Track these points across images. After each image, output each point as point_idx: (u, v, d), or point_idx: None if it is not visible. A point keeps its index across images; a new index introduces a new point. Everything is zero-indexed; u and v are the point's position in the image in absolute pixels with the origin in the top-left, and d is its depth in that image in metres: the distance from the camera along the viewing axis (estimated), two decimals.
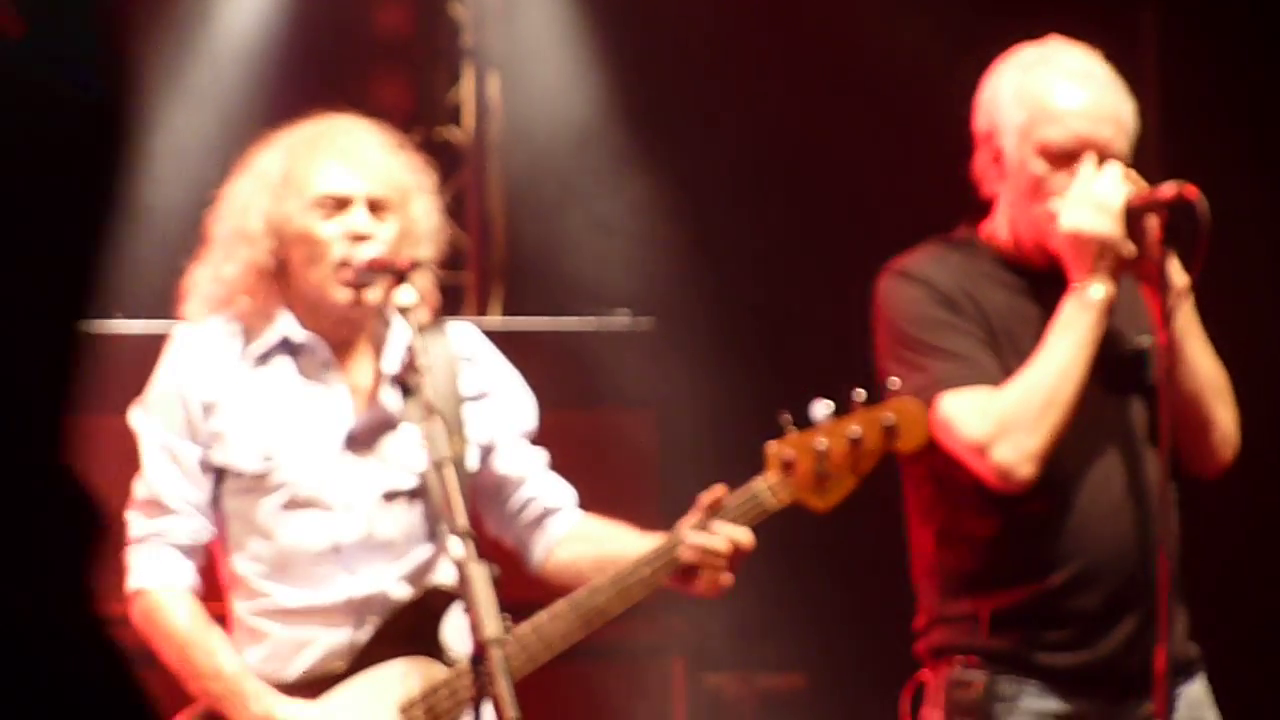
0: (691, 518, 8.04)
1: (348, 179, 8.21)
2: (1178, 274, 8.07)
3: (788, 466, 8.10)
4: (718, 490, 8.05)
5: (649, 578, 8.13)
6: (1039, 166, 8.12)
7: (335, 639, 8.14)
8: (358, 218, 8.09)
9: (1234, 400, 8.39)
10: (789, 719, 12.12)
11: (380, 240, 8.07)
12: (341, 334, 8.23)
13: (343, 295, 8.03)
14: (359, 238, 8.04)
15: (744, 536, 7.98)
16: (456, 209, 12.12)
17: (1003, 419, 8.07)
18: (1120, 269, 8.09)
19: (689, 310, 11.80)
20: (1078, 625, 8.22)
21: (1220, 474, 8.38)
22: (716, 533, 8.00)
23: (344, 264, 8.04)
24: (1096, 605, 8.21)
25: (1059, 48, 8.28)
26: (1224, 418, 8.29)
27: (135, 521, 8.23)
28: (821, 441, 8.09)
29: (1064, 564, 8.19)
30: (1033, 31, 8.41)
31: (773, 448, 8.11)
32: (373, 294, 8.10)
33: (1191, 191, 7.95)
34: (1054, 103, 8.16)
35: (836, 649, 10.86)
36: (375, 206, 8.15)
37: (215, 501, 8.23)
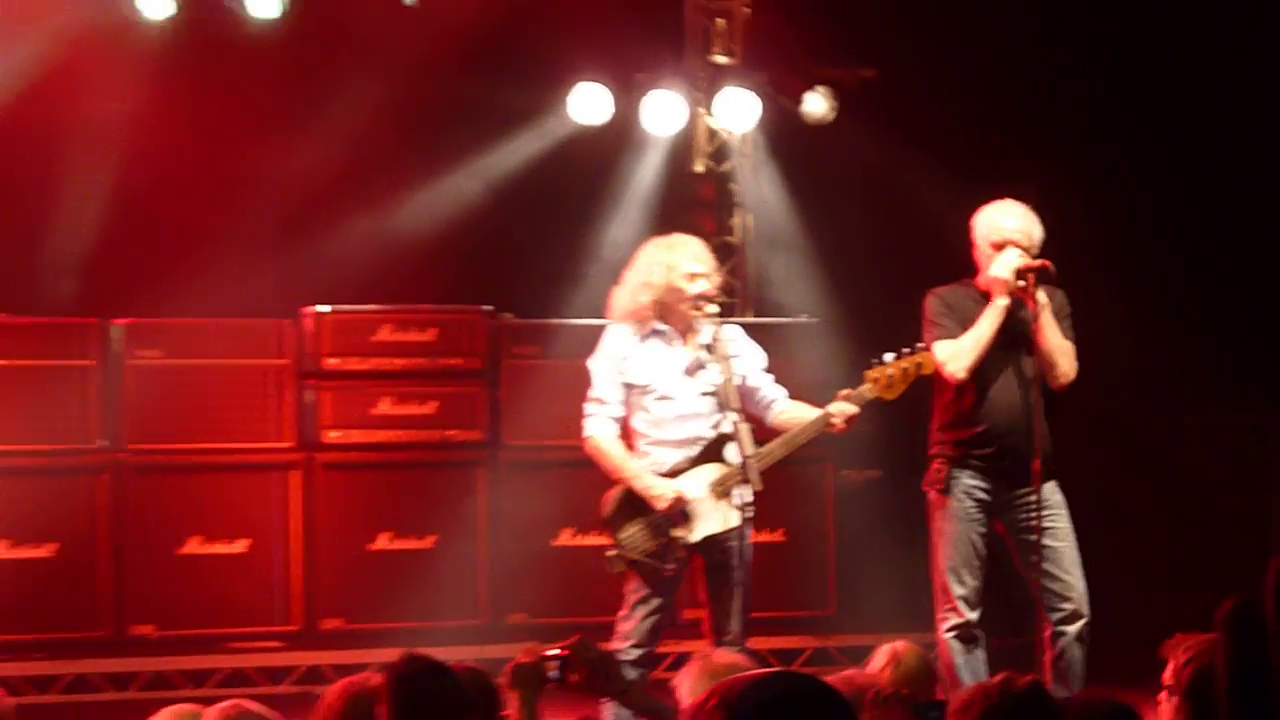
0: (847, 395, 8.31)
1: (699, 265, 8.45)
2: (1041, 298, 8.16)
3: (874, 380, 8.31)
4: (845, 391, 8.32)
5: (818, 427, 8.34)
6: (988, 251, 8.27)
7: (680, 455, 8.35)
8: (704, 280, 8.39)
9: (1073, 357, 8.33)
10: (872, 495, 11.45)
11: (709, 285, 8.44)
12: (680, 328, 8.40)
13: (694, 313, 8.32)
14: (705, 287, 8.37)
15: (855, 410, 8.26)
16: (733, 272, 11.99)
17: (951, 352, 8.22)
18: (1012, 295, 8.19)
19: (834, 316, 11.53)
20: (991, 446, 8.28)
21: (1062, 390, 8.32)
22: (842, 406, 8.28)
23: (698, 298, 8.34)
24: (1000, 438, 8.27)
25: (1006, 202, 8.37)
26: (1063, 364, 8.23)
27: (589, 407, 8.43)
28: (889, 369, 8.32)
29: (984, 420, 8.29)
30: (991, 196, 8.50)
31: (868, 372, 8.36)
32: (714, 309, 8.42)
33: (1048, 263, 8.18)
34: (998, 224, 8.28)
35: (901, 450, 10.40)
36: (704, 276, 8.41)
37: (625, 400, 8.41)
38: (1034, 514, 8.19)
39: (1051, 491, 8.26)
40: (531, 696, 5.21)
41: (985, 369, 8.33)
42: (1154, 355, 11.08)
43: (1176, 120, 11.89)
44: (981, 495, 8.33)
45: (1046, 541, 8.17)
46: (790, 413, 8.53)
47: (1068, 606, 8.21)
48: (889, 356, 8.40)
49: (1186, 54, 11.69)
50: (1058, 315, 8.38)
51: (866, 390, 8.40)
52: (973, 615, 8.26)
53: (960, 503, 8.32)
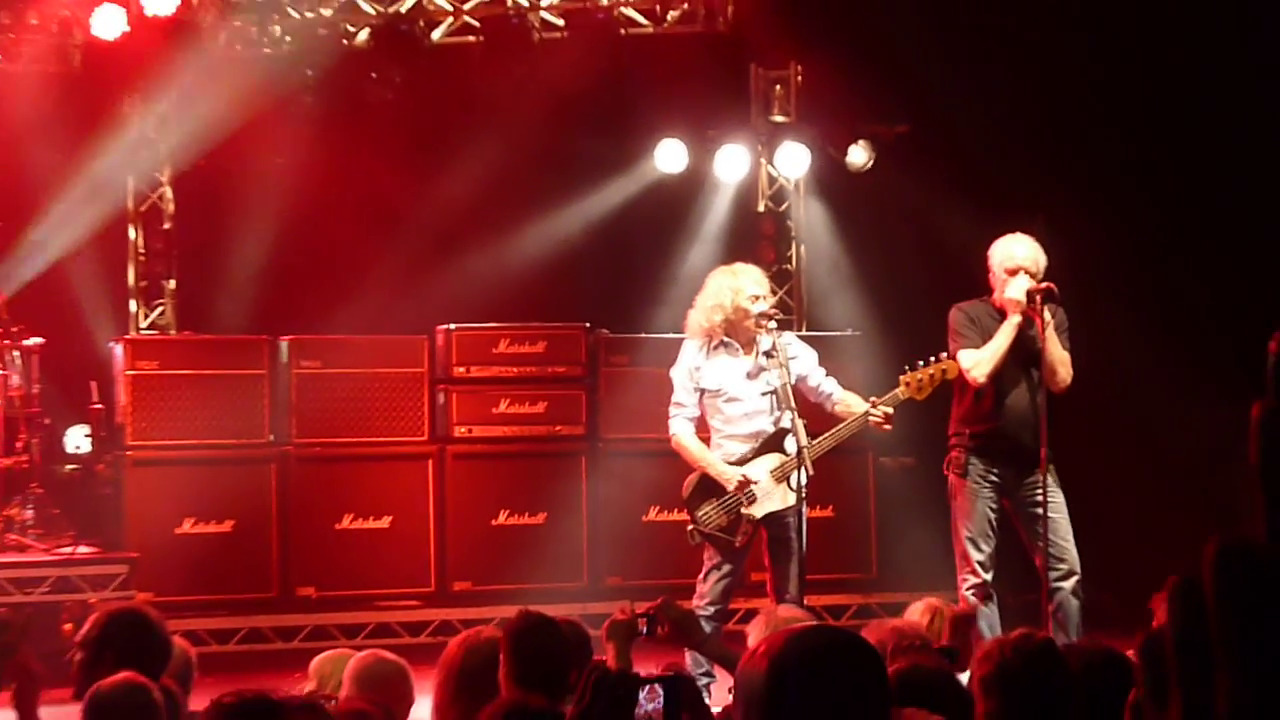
0: (874, 401, 8.28)
1: (760, 288, 8.39)
2: (1047, 316, 8.11)
3: (906, 384, 8.25)
4: (874, 399, 8.31)
5: (860, 424, 8.29)
6: (1002, 275, 8.21)
7: (745, 447, 8.30)
8: (763, 301, 8.33)
9: (1070, 366, 8.27)
10: (906, 479, 11.37)
11: (767, 304, 8.38)
12: (743, 340, 8.27)
13: (757, 329, 8.24)
14: (764, 307, 8.33)
15: (890, 410, 8.23)
16: (789, 293, 12.02)
17: (975, 360, 8.18)
18: (1023, 313, 8.14)
19: (873, 329, 11.38)
20: (1005, 440, 8.25)
21: (1061, 392, 8.26)
22: (880, 408, 8.24)
23: (760, 316, 8.25)
24: (1013, 435, 8.22)
25: (1017, 235, 8.28)
26: (1061, 373, 8.18)
27: (672, 410, 8.38)
28: (919, 374, 8.26)
29: (1000, 419, 8.25)
30: (1005, 227, 8.44)
31: (902, 376, 8.30)
32: (773, 325, 8.28)
33: (1052, 285, 8.13)
34: (1011, 253, 8.21)
35: (931, 442, 9.79)
36: (763, 297, 8.35)
37: (699, 402, 8.33)
38: (1038, 494, 8.14)
39: (1050, 475, 8.21)
40: (625, 646, 5.16)
41: (1001, 375, 8.26)
42: (1140, 358, 10.83)
43: (1156, 161, 11.69)
44: (994, 479, 8.29)
45: (1051, 511, 8.15)
46: (845, 402, 8.45)
47: (1063, 566, 8.18)
48: (920, 363, 8.34)
49: (1163, 111, 11.59)
50: (1059, 329, 8.30)
51: (900, 392, 8.32)
52: (988, 576, 8.24)
53: (976, 484, 8.28)
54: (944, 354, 8.37)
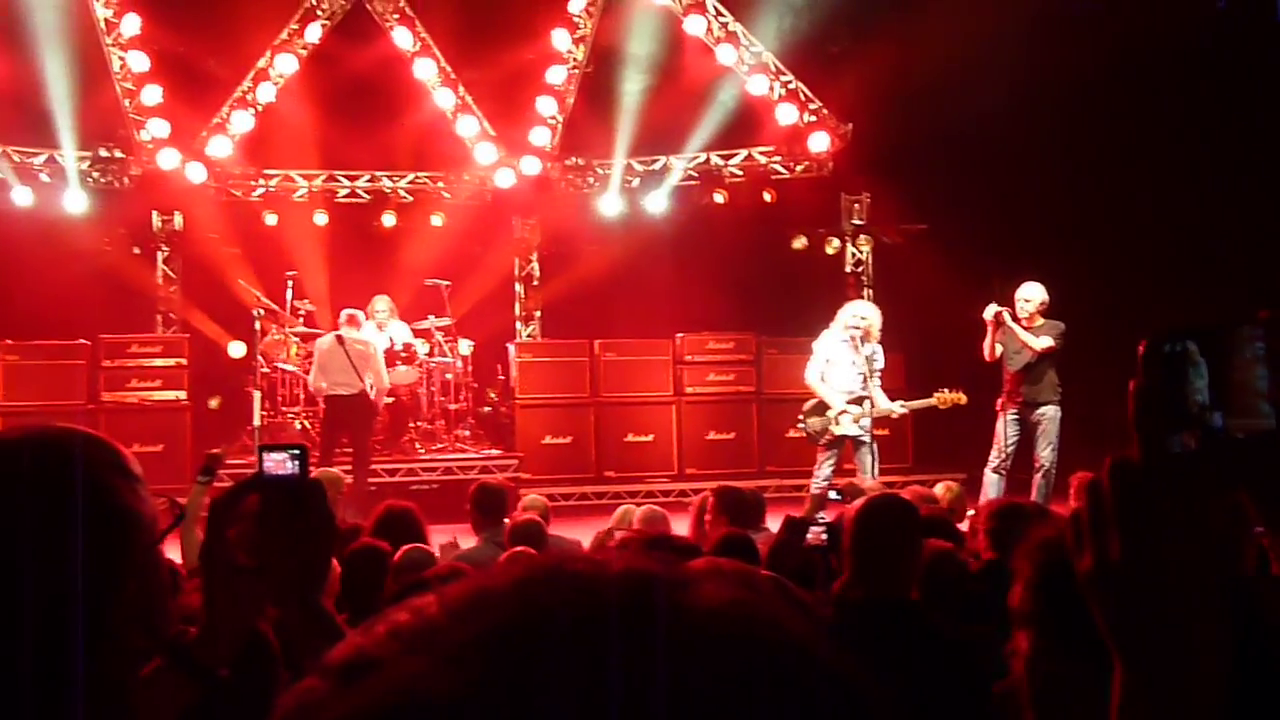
0: (904, 404, 7.74)
1: (861, 314, 7.86)
2: (1007, 319, 7.47)
3: (938, 398, 7.80)
4: (902, 402, 7.74)
5: (886, 415, 7.83)
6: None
7: (844, 397, 7.75)
8: (863, 320, 7.75)
9: (1037, 345, 7.37)
10: (926, 417, 10.26)
11: (864, 323, 7.71)
12: (850, 338, 7.74)
13: (856, 334, 7.69)
14: (861, 324, 7.72)
15: (907, 411, 7.75)
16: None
17: (986, 349, 7.63)
18: (989, 323, 7.55)
19: (910, 346, 10.44)
20: (1011, 392, 7.57)
21: (1038, 356, 7.38)
22: (901, 410, 7.84)
23: (859, 328, 7.72)
24: (1010, 387, 7.56)
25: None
26: (1025, 351, 7.44)
27: (809, 365, 7.84)
28: (946, 396, 7.79)
29: (1008, 382, 7.57)
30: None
31: (936, 393, 7.79)
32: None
33: (1004, 309, 7.41)
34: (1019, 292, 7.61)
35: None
36: (864, 318, 7.83)
37: (823, 366, 7.80)
38: (1038, 421, 7.55)
39: (1046, 409, 7.54)
40: (817, 509, 5.12)
41: (1004, 357, 7.58)
42: (1098, 356, 9.77)
43: (1120, 234, 10.36)
44: (1013, 412, 7.61)
45: (1040, 433, 7.54)
46: (879, 399, 7.85)
47: (1041, 461, 7.54)
48: (945, 390, 7.87)
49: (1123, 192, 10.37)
50: (1052, 333, 7.47)
51: (933, 401, 7.91)
52: (1003, 462, 7.60)
53: (1005, 413, 7.62)
54: (960, 390, 7.80)
